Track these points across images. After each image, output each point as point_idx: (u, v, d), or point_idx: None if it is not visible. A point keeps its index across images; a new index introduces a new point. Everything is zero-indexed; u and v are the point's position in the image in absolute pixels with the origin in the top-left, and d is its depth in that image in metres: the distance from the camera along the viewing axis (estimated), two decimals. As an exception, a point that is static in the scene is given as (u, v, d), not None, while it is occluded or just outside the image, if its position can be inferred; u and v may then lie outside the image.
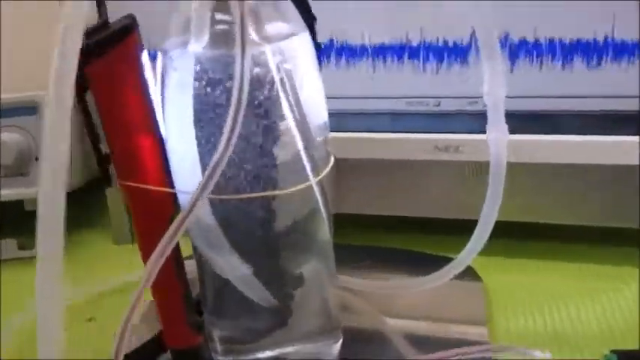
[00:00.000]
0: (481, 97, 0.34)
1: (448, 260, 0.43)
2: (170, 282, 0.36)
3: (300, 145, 0.33)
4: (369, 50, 0.49)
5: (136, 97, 0.32)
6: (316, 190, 0.35)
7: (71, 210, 0.28)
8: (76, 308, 0.49)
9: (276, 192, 0.33)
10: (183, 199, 0.34)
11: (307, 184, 0.34)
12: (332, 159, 0.36)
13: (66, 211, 0.28)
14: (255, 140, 0.32)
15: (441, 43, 0.47)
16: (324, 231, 0.37)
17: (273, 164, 0.33)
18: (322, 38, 0.38)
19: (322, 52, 0.49)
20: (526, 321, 0.45)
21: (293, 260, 0.36)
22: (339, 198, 0.55)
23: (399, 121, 0.50)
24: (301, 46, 0.34)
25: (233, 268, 0.35)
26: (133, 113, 0.33)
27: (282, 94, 0.32)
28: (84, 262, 0.57)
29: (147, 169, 0.34)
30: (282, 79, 0.32)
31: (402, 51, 0.48)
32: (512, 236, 0.53)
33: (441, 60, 0.47)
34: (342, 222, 0.41)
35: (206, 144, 0.32)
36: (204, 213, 0.34)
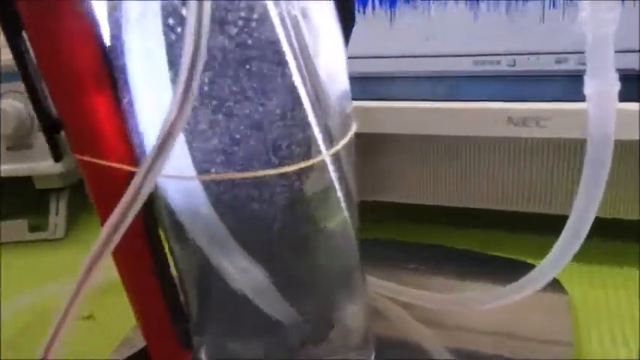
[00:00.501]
0: (573, 52, 0.23)
1: (514, 263, 0.34)
2: (148, 286, 0.29)
3: (311, 115, 0.24)
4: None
5: (84, 43, 0.24)
6: (330, 169, 0.26)
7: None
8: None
9: (269, 171, 0.24)
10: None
11: (318, 158, 0.25)
12: (352, 129, 0.27)
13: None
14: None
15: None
16: (341, 221, 0.27)
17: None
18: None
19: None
20: (618, 343, 0.36)
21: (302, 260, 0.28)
22: (375, 183, 0.45)
23: (461, 86, 0.40)
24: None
25: (245, 275, 0.26)
26: (80, 64, 0.24)
27: (287, 48, 0.23)
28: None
29: (104, 139, 0.25)
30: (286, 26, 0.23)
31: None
32: (602, 237, 0.42)
33: (516, 2, 0.36)
34: (379, 211, 0.32)
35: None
36: (199, 201, 0.25)
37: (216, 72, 0.22)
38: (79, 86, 0.25)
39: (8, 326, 0.43)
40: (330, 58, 0.25)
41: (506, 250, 0.43)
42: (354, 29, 0.32)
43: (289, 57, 0.23)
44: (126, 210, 0.22)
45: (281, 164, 0.24)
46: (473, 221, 0.48)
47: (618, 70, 0.22)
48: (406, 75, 0.40)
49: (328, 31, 0.25)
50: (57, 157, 0.27)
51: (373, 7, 0.39)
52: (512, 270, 0.40)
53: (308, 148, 0.25)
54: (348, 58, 0.32)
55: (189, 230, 0.26)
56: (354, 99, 0.41)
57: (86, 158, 0.26)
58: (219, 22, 0.22)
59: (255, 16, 0.22)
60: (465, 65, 0.39)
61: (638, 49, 0.34)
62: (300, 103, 0.24)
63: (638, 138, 0.34)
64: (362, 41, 0.39)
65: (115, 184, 0.25)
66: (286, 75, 0.23)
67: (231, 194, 0.25)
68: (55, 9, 0.24)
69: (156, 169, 0.21)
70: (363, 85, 0.41)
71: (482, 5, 0.37)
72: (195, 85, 0.20)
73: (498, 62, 0.38)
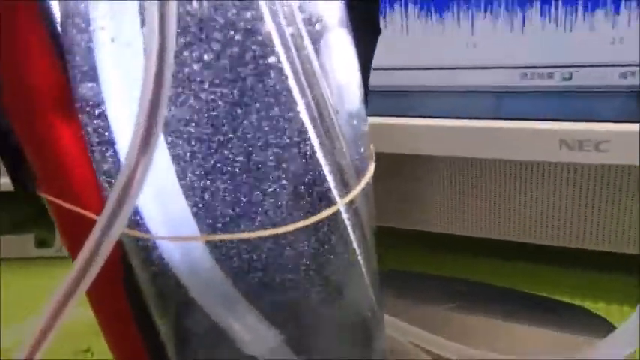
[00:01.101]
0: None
1: (568, 307, 0.33)
2: (127, 336, 0.25)
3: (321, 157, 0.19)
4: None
5: (44, 55, 0.20)
6: (345, 217, 0.21)
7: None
8: (71, 337, 0.39)
9: (269, 231, 0.19)
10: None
11: (329, 210, 0.20)
12: (370, 169, 0.22)
13: None
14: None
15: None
16: (356, 272, 0.23)
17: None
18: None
19: (392, 1, 0.34)
20: None
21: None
22: (401, 209, 0.40)
23: (505, 102, 0.34)
24: None
25: (257, 337, 0.22)
26: (39, 82, 0.20)
27: (283, 57, 0.18)
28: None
29: (71, 176, 0.21)
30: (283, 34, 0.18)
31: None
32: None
33: (573, 5, 0.31)
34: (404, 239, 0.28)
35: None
36: (201, 256, 0.21)
37: (197, 106, 0.18)
38: (41, 115, 0.21)
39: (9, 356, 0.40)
40: (346, 89, 0.21)
41: (555, 290, 0.38)
42: (380, 37, 0.27)
43: (296, 93, 0.19)
44: (83, 271, 0.18)
45: (286, 220, 0.20)
46: (515, 255, 0.42)
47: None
48: (441, 89, 0.35)
49: (342, 54, 0.21)
50: (21, 186, 0.23)
51: (403, 12, 0.34)
52: (566, 314, 0.36)
53: (319, 196, 0.20)
54: (374, 69, 0.28)
55: (193, 292, 0.22)
56: (380, 115, 0.36)
57: (50, 198, 0.21)
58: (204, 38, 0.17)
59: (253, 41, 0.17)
60: (511, 79, 0.34)
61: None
62: (308, 144, 0.19)
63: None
64: (389, 51, 0.34)
65: (86, 229, 0.21)
66: (291, 108, 0.19)
67: (234, 254, 0.21)
68: (13, 27, 0.19)
69: (115, 227, 0.17)
70: (392, 99, 0.36)
71: (533, 7, 0.32)
72: (160, 118, 0.15)
73: (551, 75, 0.33)
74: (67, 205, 0.21)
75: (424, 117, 0.35)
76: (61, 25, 0.18)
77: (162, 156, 0.19)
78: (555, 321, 0.35)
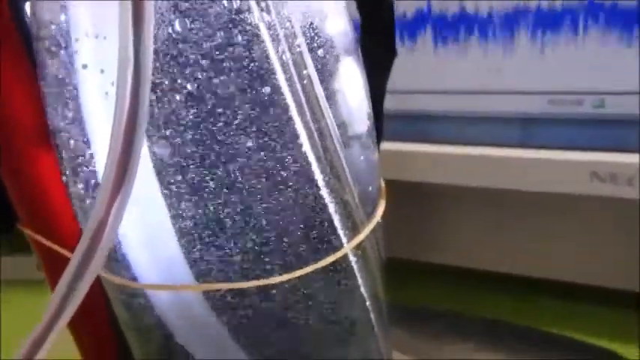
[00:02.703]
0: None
1: (595, 351, 0.31)
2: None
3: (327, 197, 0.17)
4: (494, 20, 0.31)
5: (23, 87, 0.18)
6: (352, 260, 0.19)
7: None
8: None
9: (266, 280, 0.17)
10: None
11: (336, 255, 0.18)
12: (381, 207, 0.20)
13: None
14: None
15: None
16: (363, 318, 0.21)
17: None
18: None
19: (413, 25, 0.33)
20: None
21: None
22: (417, 240, 0.38)
23: (532, 130, 0.32)
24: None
25: None
26: (14, 112, 0.18)
27: (284, 85, 0.16)
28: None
29: (53, 208, 0.19)
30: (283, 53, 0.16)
31: (542, 19, 0.30)
32: None
33: (607, 27, 0.28)
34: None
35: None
36: (194, 304, 0.19)
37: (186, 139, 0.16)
38: (18, 148, 0.19)
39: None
40: (353, 120, 0.19)
41: (580, 330, 0.35)
42: (397, 60, 0.25)
43: (298, 125, 0.17)
44: (57, 312, 0.16)
45: (288, 265, 0.18)
46: (537, 292, 0.40)
47: None
48: (463, 115, 0.33)
49: (350, 84, 0.19)
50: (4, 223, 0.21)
51: (424, 34, 0.33)
52: (593, 358, 0.33)
53: (324, 239, 0.18)
54: (393, 92, 0.26)
55: (181, 339, 0.20)
56: (398, 140, 0.34)
57: (30, 233, 0.20)
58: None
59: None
60: (538, 105, 0.31)
61: None
62: (313, 183, 0.17)
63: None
64: (408, 74, 0.33)
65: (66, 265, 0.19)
66: (292, 141, 0.17)
67: (231, 302, 0.19)
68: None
69: (89, 271, 0.15)
70: (411, 124, 0.34)
71: (562, 28, 0.30)
72: (137, 149, 0.13)
73: (580, 103, 0.31)
74: (46, 242, 0.19)
75: (444, 143, 0.33)
76: (36, 54, 0.16)
77: (155, 197, 0.17)
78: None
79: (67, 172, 0.17)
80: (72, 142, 0.16)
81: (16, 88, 0.18)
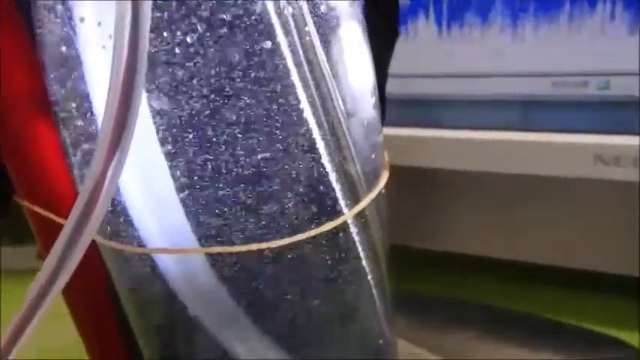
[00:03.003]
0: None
1: (600, 338, 0.31)
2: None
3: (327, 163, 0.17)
4: (497, 2, 0.31)
5: (21, 57, 0.18)
6: (353, 232, 0.19)
7: None
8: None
9: (267, 243, 0.17)
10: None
11: (336, 221, 0.18)
12: (383, 178, 0.19)
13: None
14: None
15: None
16: (366, 292, 0.20)
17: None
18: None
19: (414, 6, 0.32)
20: None
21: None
22: (418, 227, 0.37)
23: (535, 113, 0.32)
24: None
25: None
26: (13, 82, 0.18)
27: (289, 57, 0.16)
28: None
29: (51, 179, 0.19)
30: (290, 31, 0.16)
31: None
32: None
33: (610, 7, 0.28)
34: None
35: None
36: (200, 270, 0.19)
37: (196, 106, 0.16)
38: (17, 117, 0.19)
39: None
40: (358, 91, 0.18)
41: (585, 317, 0.35)
42: (399, 43, 0.25)
43: (298, 87, 0.16)
44: (51, 278, 0.15)
45: (289, 231, 0.17)
46: (543, 279, 0.39)
47: None
48: (466, 98, 0.33)
49: (354, 52, 0.18)
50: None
51: (425, 17, 0.32)
52: (596, 344, 0.33)
53: (324, 207, 0.18)
54: (394, 76, 0.25)
55: (192, 308, 0.19)
56: (399, 125, 0.34)
57: (27, 204, 0.19)
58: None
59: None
60: (542, 87, 0.31)
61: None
62: (312, 148, 0.17)
63: None
64: (410, 57, 0.32)
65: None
66: (293, 104, 0.17)
67: (235, 267, 0.18)
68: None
69: (84, 234, 0.14)
70: (412, 109, 0.34)
71: (565, 9, 0.30)
72: (134, 110, 0.13)
73: (585, 84, 0.30)
74: (43, 212, 0.19)
75: (446, 128, 0.33)
76: (33, 11, 0.16)
77: (157, 162, 0.17)
78: (585, 352, 0.32)
79: (67, 140, 0.17)
80: (71, 104, 0.16)
81: (14, 56, 0.18)
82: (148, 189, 0.17)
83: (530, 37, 0.31)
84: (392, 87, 0.25)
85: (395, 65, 0.26)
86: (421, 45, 0.33)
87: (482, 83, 0.32)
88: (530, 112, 0.32)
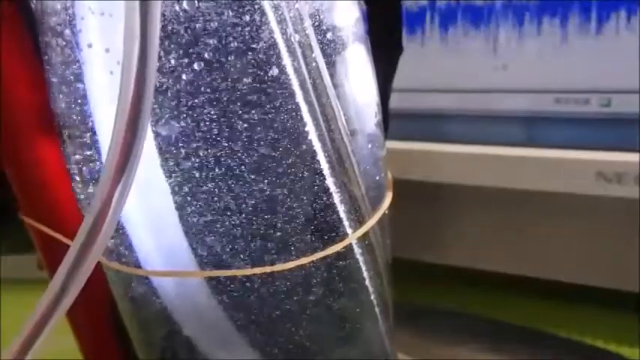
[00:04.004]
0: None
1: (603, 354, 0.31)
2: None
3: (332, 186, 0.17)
4: (495, 11, 0.31)
5: (26, 71, 0.18)
6: (357, 252, 0.19)
7: None
8: None
9: (270, 267, 0.17)
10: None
11: (340, 244, 0.18)
12: (387, 199, 0.19)
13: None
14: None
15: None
16: (369, 313, 0.20)
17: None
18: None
19: (417, 21, 0.32)
20: None
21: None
22: (422, 240, 0.37)
23: (537, 129, 0.32)
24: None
25: None
26: (18, 98, 0.18)
27: (290, 69, 0.16)
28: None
29: (54, 197, 0.19)
30: (292, 44, 0.16)
31: (549, 15, 0.30)
32: None
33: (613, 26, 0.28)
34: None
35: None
36: (198, 292, 0.19)
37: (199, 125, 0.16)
38: (22, 134, 0.19)
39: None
40: (361, 110, 0.18)
41: (590, 333, 0.35)
42: (404, 57, 0.25)
43: (304, 111, 0.16)
44: (56, 299, 0.15)
45: (290, 255, 0.17)
46: (547, 294, 0.39)
47: None
48: (468, 113, 0.33)
49: (359, 73, 0.18)
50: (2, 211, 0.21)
51: (425, 30, 0.32)
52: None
53: (328, 229, 0.18)
54: (398, 91, 0.26)
55: (188, 329, 0.19)
56: (402, 139, 0.34)
57: (30, 221, 0.19)
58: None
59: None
60: (544, 104, 0.31)
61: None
62: (317, 170, 0.17)
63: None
64: (412, 71, 0.32)
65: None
66: (298, 128, 0.17)
67: (234, 290, 0.18)
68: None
69: (90, 257, 0.14)
70: (415, 123, 0.34)
71: (569, 27, 0.30)
72: (141, 132, 0.13)
73: (587, 101, 0.30)
74: (47, 230, 0.19)
75: (448, 142, 0.33)
76: (40, 35, 0.16)
77: (158, 183, 0.17)
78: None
79: (71, 158, 0.17)
80: (76, 126, 0.16)
81: (19, 74, 0.18)
82: (147, 210, 0.17)
83: (533, 54, 0.31)
84: (394, 101, 0.25)
85: (397, 79, 0.26)
86: (424, 59, 0.33)
87: (485, 98, 0.32)
88: (532, 128, 0.32)
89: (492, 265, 0.37)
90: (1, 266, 0.49)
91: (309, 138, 0.17)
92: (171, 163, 0.16)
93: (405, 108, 0.34)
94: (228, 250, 0.17)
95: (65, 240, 0.18)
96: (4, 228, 0.28)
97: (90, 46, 0.14)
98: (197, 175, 0.16)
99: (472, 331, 0.35)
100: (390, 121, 0.24)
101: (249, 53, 0.15)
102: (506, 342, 0.34)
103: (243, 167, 0.16)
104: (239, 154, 0.16)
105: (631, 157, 0.30)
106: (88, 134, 0.16)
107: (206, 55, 0.14)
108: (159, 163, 0.16)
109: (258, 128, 0.16)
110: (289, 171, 0.17)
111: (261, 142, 0.16)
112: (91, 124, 0.15)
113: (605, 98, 0.30)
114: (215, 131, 0.16)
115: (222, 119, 0.16)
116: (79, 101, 0.15)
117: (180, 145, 0.16)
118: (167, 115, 0.16)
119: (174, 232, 0.17)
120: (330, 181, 0.17)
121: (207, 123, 0.16)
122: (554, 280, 0.36)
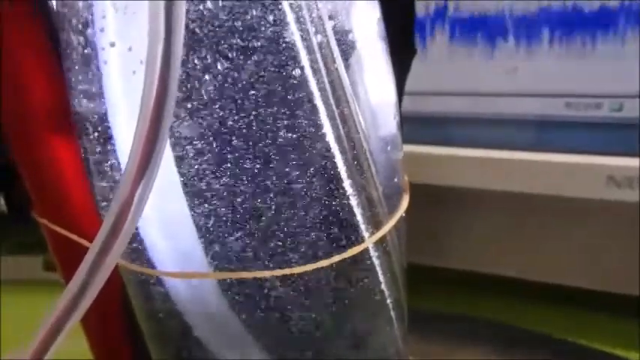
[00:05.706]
0: None
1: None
2: None
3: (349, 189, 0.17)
4: (507, 20, 0.31)
5: (42, 70, 0.18)
6: (373, 256, 0.19)
7: None
8: None
9: (285, 270, 0.17)
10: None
11: (357, 248, 0.18)
12: (405, 201, 0.19)
13: None
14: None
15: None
16: (385, 317, 0.20)
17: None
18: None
19: (428, 25, 0.32)
20: None
21: None
22: (435, 245, 0.37)
23: (548, 134, 0.32)
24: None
25: None
26: (37, 98, 0.18)
27: (309, 70, 0.16)
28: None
29: (70, 197, 0.19)
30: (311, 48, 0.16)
31: (561, 21, 0.30)
32: None
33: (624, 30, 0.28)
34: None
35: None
36: (211, 294, 0.18)
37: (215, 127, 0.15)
38: (37, 133, 0.18)
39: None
40: (380, 112, 0.18)
41: (603, 340, 0.34)
42: (416, 61, 0.25)
43: (322, 113, 0.16)
44: (73, 302, 0.15)
45: (310, 257, 0.17)
46: (560, 300, 0.39)
47: None
48: (477, 117, 0.33)
49: (378, 72, 0.18)
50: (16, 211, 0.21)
51: (440, 35, 0.32)
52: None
53: (345, 233, 0.18)
54: (408, 94, 0.25)
55: (200, 332, 0.19)
56: (409, 142, 0.34)
57: (44, 222, 0.19)
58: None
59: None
60: (555, 108, 0.31)
61: None
62: (334, 172, 0.17)
63: None
64: (422, 74, 0.32)
65: (81, 256, 0.19)
66: (316, 130, 0.16)
67: (248, 293, 0.18)
68: (9, 40, 0.17)
69: (109, 258, 0.14)
70: (422, 127, 0.34)
71: (579, 31, 0.30)
72: (163, 135, 0.13)
73: (598, 106, 0.30)
74: (62, 231, 0.19)
75: (458, 146, 0.33)
76: (60, 33, 0.16)
77: (172, 183, 0.17)
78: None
79: (90, 159, 0.17)
80: (96, 126, 0.16)
81: (38, 72, 0.18)
82: (161, 211, 0.17)
83: (544, 58, 0.31)
84: (403, 104, 0.25)
85: (407, 82, 0.26)
86: (434, 63, 0.33)
87: (495, 102, 0.32)
88: (543, 132, 0.32)
89: (499, 269, 0.37)
90: (0, 267, 0.48)
91: (327, 140, 0.17)
92: (186, 164, 0.16)
93: (414, 111, 0.34)
94: (242, 254, 0.17)
95: (81, 241, 0.18)
96: (4, 229, 0.27)
97: (112, 44, 0.14)
98: (212, 176, 0.16)
99: (477, 335, 0.35)
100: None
101: (269, 55, 0.14)
102: (511, 346, 0.34)
103: (259, 169, 0.16)
104: (256, 156, 0.16)
105: (642, 162, 0.30)
106: (108, 134, 0.16)
107: (229, 55, 0.14)
108: (173, 164, 0.16)
109: (276, 130, 0.16)
110: (306, 173, 0.17)
111: (278, 144, 0.16)
112: (111, 123, 0.15)
113: (617, 103, 0.30)
114: (232, 133, 0.16)
115: (240, 121, 0.16)
116: (101, 100, 0.15)
117: (196, 145, 0.16)
118: (183, 116, 0.15)
119: (188, 234, 0.17)
120: (347, 184, 0.17)
121: (224, 124, 0.15)
122: (566, 285, 0.36)
